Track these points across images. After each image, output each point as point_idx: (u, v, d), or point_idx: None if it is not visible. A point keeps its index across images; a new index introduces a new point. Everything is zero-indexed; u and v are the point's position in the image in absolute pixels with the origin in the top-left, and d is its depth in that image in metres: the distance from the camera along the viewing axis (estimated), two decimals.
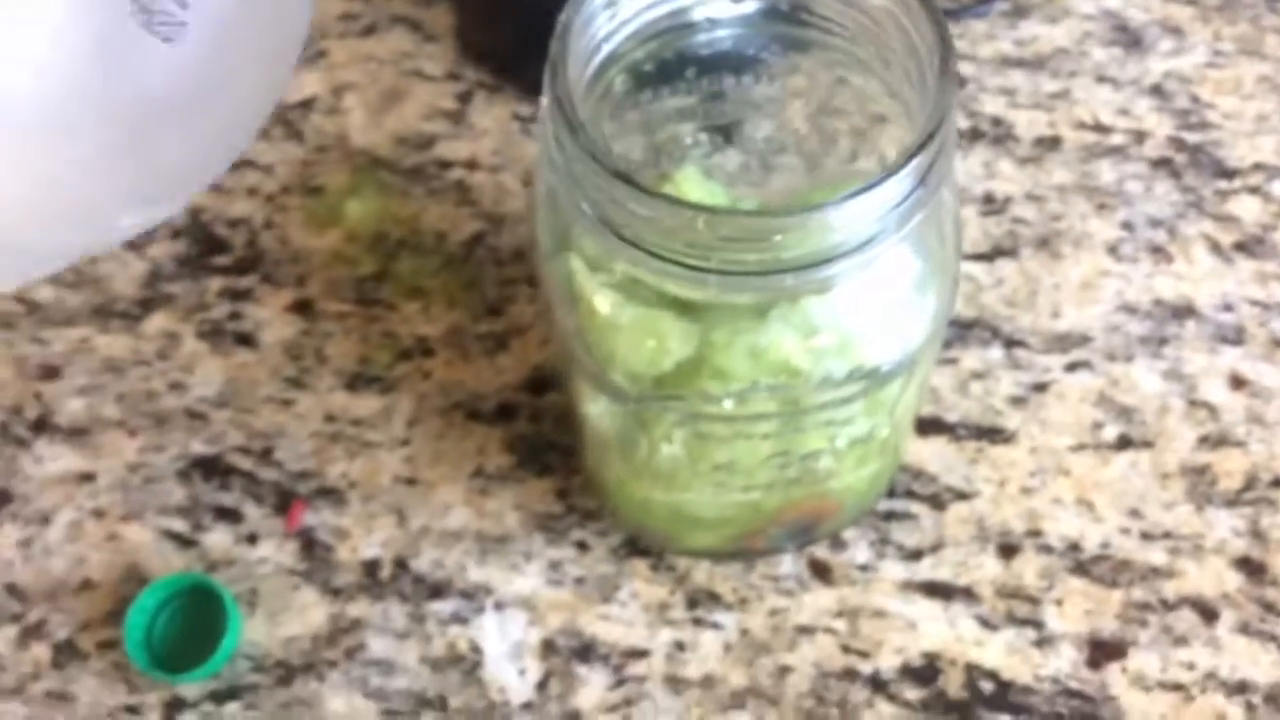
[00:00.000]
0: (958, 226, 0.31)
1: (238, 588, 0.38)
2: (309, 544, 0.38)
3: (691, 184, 0.32)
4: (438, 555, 0.38)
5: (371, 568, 0.38)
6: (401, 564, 0.38)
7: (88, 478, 0.40)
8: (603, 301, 0.29)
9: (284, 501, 0.39)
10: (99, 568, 0.38)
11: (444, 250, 0.43)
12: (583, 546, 0.38)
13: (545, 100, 0.27)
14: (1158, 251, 0.42)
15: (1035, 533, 0.38)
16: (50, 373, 0.41)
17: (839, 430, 0.31)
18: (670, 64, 0.32)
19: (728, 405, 0.28)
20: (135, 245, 0.44)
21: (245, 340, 0.42)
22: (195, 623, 0.36)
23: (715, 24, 0.31)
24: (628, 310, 0.29)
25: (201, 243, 0.44)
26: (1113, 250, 0.42)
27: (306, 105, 0.46)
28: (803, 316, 0.27)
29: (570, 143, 0.26)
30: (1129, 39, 0.47)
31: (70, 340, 0.42)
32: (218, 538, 0.39)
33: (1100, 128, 0.45)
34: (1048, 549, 0.38)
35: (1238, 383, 0.40)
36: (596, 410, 0.32)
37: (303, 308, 0.42)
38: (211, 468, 0.40)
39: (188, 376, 0.41)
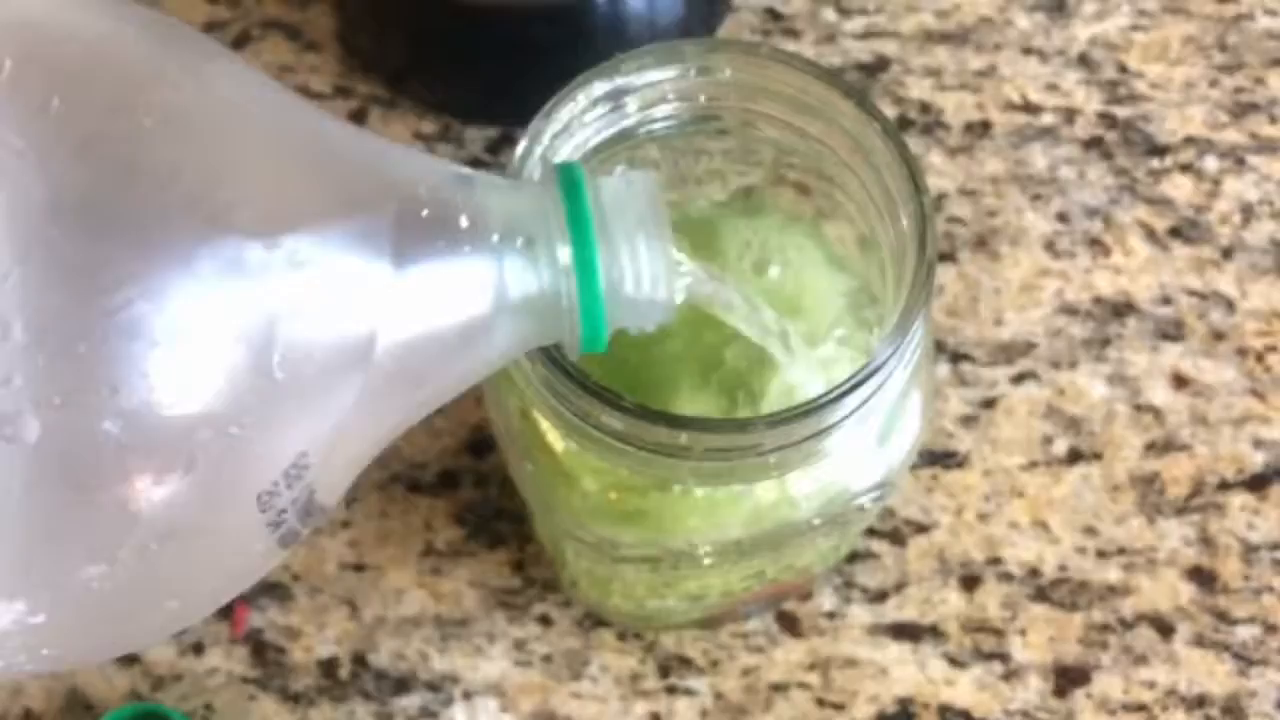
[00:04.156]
0: (929, 334, 0.30)
1: (191, 704, 0.36)
2: (259, 647, 0.37)
3: None
4: (397, 646, 0.37)
5: (329, 667, 0.37)
6: (360, 660, 0.37)
7: None
8: (555, 442, 0.27)
9: (226, 604, 0.37)
10: (38, 697, 0.36)
11: None
12: (546, 621, 0.37)
13: None
14: (1095, 244, 0.42)
15: (995, 560, 0.38)
16: None
17: (826, 544, 0.30)
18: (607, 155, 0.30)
19: (707, 562, 0.27)
20: None
21: None
22: None
23: (652, 127, 0.28)
24: (581, 455, 0.27)
25: None
26: (1050, 246, 0.42)
27: None
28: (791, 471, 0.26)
29: (529, 357, 0.24)
30: (1052, 3, 0.45)
31: None
32: (160, 651, 0.37)
33: (1030, 107, 0.43)
34: (1008, 577, 0.38)
35: (1180, 382, 0.40)
36: (559, 546, 0.30)
37: None
38: None
39: None
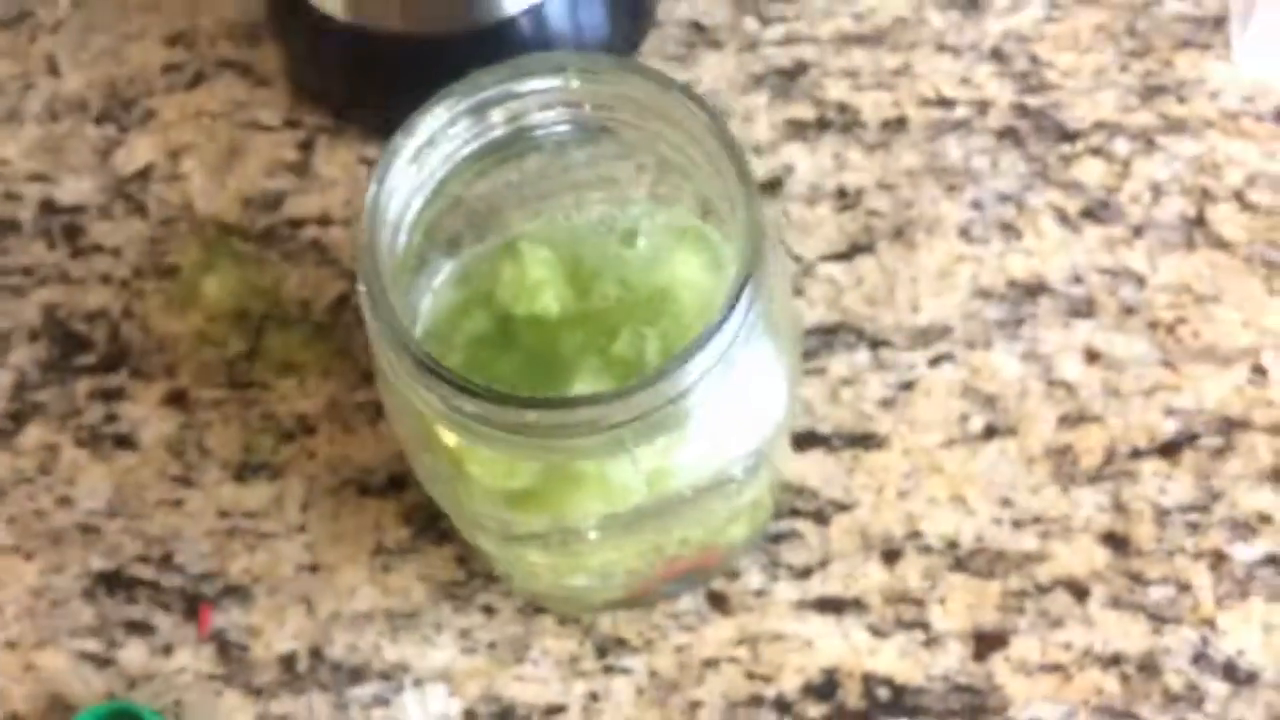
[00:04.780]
0: (788, 292, 0.32)
1: (162, 701, 0.39)
2: (223, 646, 0.39)
3: (532, 261, 0.32)
4: (351, 639, 0.39)
5: (288, 661, 0.39)
6: (317, 653, 0.39)
7: None
8: (449, 437, 0.30)
9: (192, 606, 0.40)
10: (22, 700, 0.39)
11: (310, 319, 0.43)
12: (489, 610, 0.39)
13: (360, 288, 0.27)
14: (1007, 229, 0.43)
15: (915, 534, 0.40)
16: None
17: (709, 517, 0.32)
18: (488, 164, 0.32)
19: (593, 536, 0.29)
20: None
21: (125, 442, 0.42)
22: None
23: (531, 136, 0.31)
24: (470, 448, 0.29)
25: (61, 343, 0.43)
26: (964, 233, 0.43)
27: (144, 174, 0.45)
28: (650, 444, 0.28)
29: (391, 341, 0.26)
30: (966, 0, 0.47)
31: None
32: (133, 653, 0.39)
33: (944, 102, 0.45)
34: (928, 549, 0.40)
35: (1092, 356, 0.42)
36: (467, 530, 0.33)
37: (177, 399, 0.42)
38: (115, 582, 0.40)
39: (73, 489, 0.41)
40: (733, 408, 0.29)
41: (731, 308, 0.26)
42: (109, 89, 0.46)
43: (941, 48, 0.46)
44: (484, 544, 0.32)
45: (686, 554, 0.34)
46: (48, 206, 0.45)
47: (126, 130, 0.46)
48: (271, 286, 0.43)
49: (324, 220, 0.44)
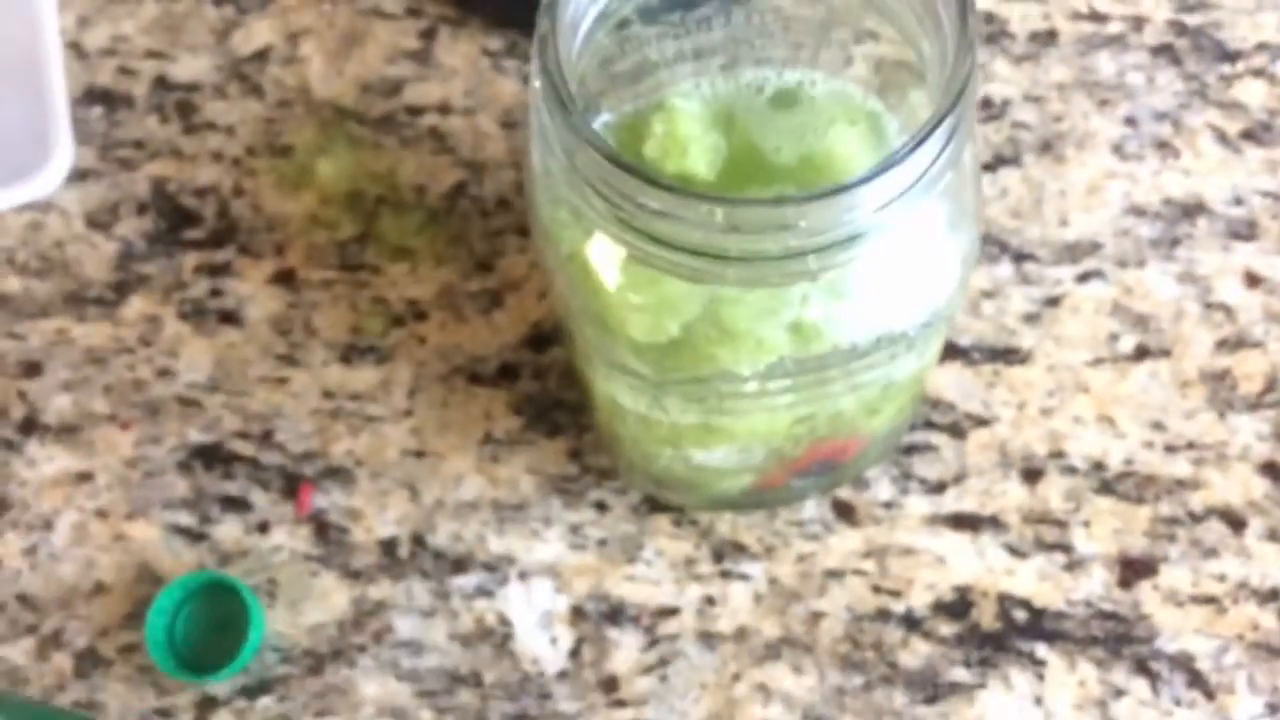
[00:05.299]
0: (976, 161, 0.30)
1: (255, 579, 0.37)
2: (322, 527, 0.38)
3: (683, 116, 0.30)
4: (455, 528, 0.37)
5: (389, 546, 0.37)
6: (419, 540, 0.37)
7: (85, 477, 0.38)
8: (600, 265, 0.28)
9: (291, 485, 0.38)
10: (110, 570, 0.37)
11: (425, 205, 0.41)
12: (602, 507, 0.37)
13: (538, 84, 0.25)
14: (1163, 147, 0.41)
15: (1058, 454, 0.37)
16: (31, 369, 0.40)
17: (866, 389, 0.30)
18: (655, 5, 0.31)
19: (751, 387, 0.27)
20: (100, 224, 0.42)
21: (229, 318, 0.40)
22: (216, 619, 0.36)
23: None
24: (628, 273, 0.27)
25: (170, 216, 0.41)
26: (1117, 149, 0.41)
27: (262, 56, 0.44)
28: (823, 284, 0.26)
29: (571, 136, 0.25)
30: None
31: (47, 333, 0.40)
32: (227, 529, 0.38)
33: (1096, 16, 0.43)
34: (1072, 470, 0.37)
35: (1253, 280, 0.39)
36: (609, 385, 0.31)
37: (285, 278, 0.41)
38: (212, 456, 0.38)
39: (174, 361, 0.40)
40: (907, 261, 0.27)
41: (933, 129, 0.24)
42: None
43: None
44: (629, 401, 0.30)
45: (834, 435, 0.31)
46: (162, 83, 0.44)
47: (245, 12, 0.44)
48: (387, 171, 0.42)
49: (444, 109, 0.43)
